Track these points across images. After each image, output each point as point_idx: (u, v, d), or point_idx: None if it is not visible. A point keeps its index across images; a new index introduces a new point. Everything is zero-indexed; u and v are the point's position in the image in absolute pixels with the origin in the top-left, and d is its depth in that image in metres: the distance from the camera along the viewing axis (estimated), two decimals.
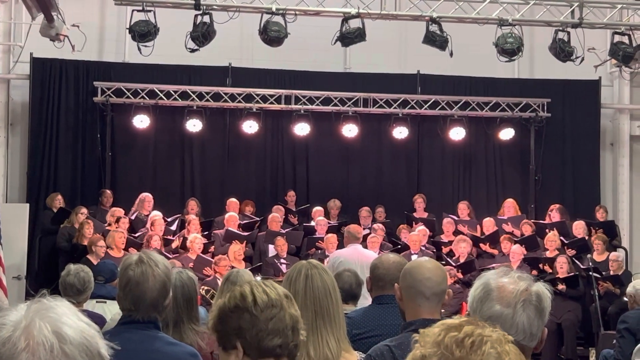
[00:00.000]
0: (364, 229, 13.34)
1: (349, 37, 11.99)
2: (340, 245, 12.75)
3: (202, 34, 11.51)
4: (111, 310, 6.29)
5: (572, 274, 12.05)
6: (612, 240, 13.39)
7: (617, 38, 12.59)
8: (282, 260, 12.24)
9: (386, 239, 13.07)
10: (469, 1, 12.46)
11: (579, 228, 13.18)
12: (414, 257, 11.23)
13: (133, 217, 12.98)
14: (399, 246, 12.77)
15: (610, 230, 13.51)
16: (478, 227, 13.63)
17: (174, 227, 12.95)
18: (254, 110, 14.17)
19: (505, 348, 1.60)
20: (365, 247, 10.91)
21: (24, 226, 12.82)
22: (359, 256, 9.09)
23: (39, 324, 1.41)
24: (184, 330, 4.16)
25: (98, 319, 5.56)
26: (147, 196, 13.31)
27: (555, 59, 12.52)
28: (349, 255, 9.26)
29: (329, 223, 13.30)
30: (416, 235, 12.71)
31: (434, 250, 12.96)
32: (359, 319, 4.57)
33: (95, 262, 10.55)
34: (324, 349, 3.42)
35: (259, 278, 10.64)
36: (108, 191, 13.58)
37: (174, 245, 12.38)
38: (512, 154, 15.25)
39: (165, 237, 12.34)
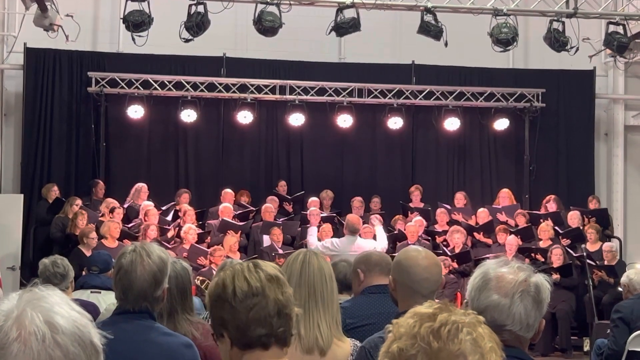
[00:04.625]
0: None
1: (344, 27, 11.96)
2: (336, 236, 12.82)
3: (197, 24, 11.47)
4: (106, 301, 6.27)
5: (566, 262, 12.08)
6: (605, 230, 13.41)
7: (611, 28, 12.58)
8: (279, 251, 12.22)
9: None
10: None
11: (573, 218, 13.19)
12: None
13: (126, 206, 12.94)
14: (395, 233, 12.79)
15: (603, 219, 13.53)
16: (473, 216, 13.63)
17: (169, 217, 12.92)
18: (249, 100, 14.14)
19: (480, 331, 1.60)
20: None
21: (18, 217, 12.81)
22: (350, 247, 9.14)
23: (31, 314, 1.40)
24: (178, 321, 4.15)
25: (91, 307, 5.56)
26: (142, 186, 13.27)
27: (550, 49, 12.50)
28: (342, 245, 9.32)
29: (321, 213, 13.29)
30: (413, 226, 12.71)
31: (429, 240, 12.97)
32: (351, 308, 4.57)
33: (87, 253, 10.53)
34: (313, 330, 3.45)
35: None
36: (101, 181, 13.54)
37: (169, 235, 12.35)
38: (507, 144, 15.24)
39: (160, 226, 12.31)
